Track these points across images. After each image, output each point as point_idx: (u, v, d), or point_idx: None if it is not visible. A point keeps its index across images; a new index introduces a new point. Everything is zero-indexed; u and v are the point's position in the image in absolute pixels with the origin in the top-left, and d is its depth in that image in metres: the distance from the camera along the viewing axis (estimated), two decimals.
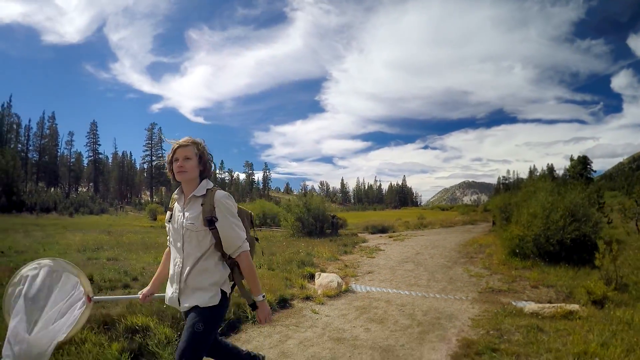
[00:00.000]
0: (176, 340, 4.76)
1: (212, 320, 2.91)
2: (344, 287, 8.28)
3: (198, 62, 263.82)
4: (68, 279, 3.03)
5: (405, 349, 4.97)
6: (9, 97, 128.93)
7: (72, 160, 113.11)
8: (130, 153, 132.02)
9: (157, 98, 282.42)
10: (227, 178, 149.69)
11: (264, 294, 3.02)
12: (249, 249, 3.00)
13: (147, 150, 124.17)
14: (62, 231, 28.51)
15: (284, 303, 7.06)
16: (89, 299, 3.06)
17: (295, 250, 14.02)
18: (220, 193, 2.94)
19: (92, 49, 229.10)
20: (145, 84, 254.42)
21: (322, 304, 7.25)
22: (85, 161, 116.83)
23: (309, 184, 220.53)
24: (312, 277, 9.44)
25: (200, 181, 3.02)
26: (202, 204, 2.90)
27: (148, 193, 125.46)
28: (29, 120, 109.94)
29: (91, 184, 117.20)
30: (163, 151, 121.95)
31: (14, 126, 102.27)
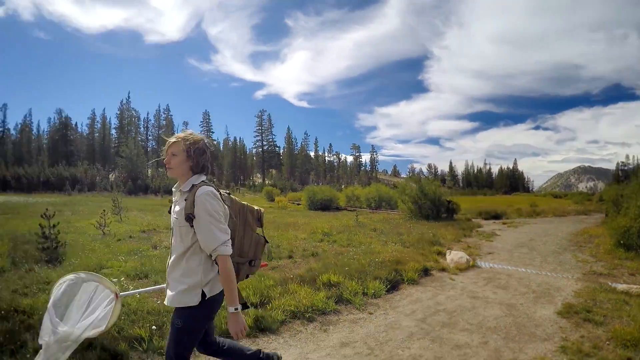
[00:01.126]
0: (363, 293, 7.18)
1: (192, 320, 2.98)
2: (471, 262, 10.03)
3: (297, 48, 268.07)
4: (88, 285, 3.30)
5: (523, 306, 6.76)
6: (127, 94, 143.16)
7: None
8: (241, 138, 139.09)
9: (260, 85, 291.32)
10: (335, 161, 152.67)
11: (239, 306, 2.90)
12: (228, 252, 2.87)
13: (257, 135, 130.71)
14: None
15: (425, 272, 9.06)
16: (117, 295, 3.29)
17: (419, 232, 15.48)
18: (202, 189, 2.87)
19: (193, 43, 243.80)
20: (247, 73, 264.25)
21: (456, 274, 9.16)
22: None
23: (416, 166, 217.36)
24: (439, 254, 11.10)
25: (193, 176, 3.04)
26: (185, 199, 2.91)
27: (259, 175, 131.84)
28: (147, 113, 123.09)
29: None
30: (273, 136, 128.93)
31: (134, 119, 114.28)
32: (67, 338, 3.02)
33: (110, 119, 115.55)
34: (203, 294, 2.94)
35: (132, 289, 3.59)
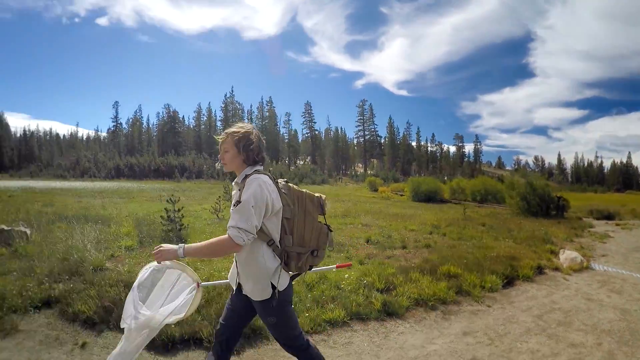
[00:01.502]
0: (481, 286, 7.50)
1: (274, 310, 3.05)
2: (585, 264, 9.92)
3: (394, 36, 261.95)
4: (171, 273, 3.38)
5: (637, 312, 6.68)
6: (230, 88, 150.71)
7: (286, 137, 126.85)
8: (342, 128, 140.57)
9: (358, 75, 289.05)
10: (437, 151, 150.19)
11: (185, 254, 2.95)
12: (236, 240, 2.83)
13: (359, 125, 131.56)
14: None
15: (539, 270, 9.16)
16: (198, 285, 3.36)
17: (529, 228, 15.30)
18: (253, 177, 2.92)
19: (289, 37, 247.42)
20: (345, 63, 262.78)
21: (569, 275, 9.15)
22: (300, 137, 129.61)
23: (522, 158, 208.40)
24: (551, 253, 11.00)
25: (246, 168, 3.09)
26: (239, 190, 2.98)
27: (361, 165, 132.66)
28: (250, 106, 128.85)
29: (308, 157, 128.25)
30: (375, 126, 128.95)
31: (238, 112, 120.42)
32: (148, 323, 3.14)
33: (215, 112, 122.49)
34: (273, 286, 3.01)
35: None
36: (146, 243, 9.89)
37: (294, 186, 3.20)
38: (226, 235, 2.87)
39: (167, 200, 10.85)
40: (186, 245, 2.97)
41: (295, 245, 3.08)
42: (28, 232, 9.73)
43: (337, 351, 4.92)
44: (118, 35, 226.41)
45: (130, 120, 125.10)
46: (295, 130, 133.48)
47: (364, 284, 6.84)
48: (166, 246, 3.02)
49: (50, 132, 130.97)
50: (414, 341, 5.24)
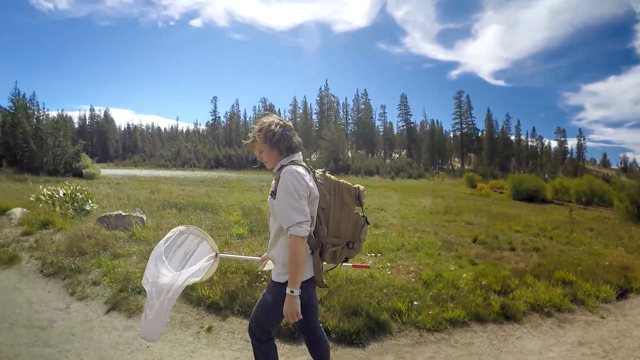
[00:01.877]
0: (595, 296, 7.23)
1: (280, 296, 2.98)
2: None
3: (487, 22, 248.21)
4: (193, 239, 3.67)
5: None
6: (325, 81, 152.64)
7: (382, 130, 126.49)
8: (438, 121, 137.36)
9: (453, 64, 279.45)
10: (537, 147, 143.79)
11: (299, 290, 2.87)
12: (302, 234, 2.84)
13: (456, 118, 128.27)
14: (392, 193, 32.87)
15: None
16: (216, 255, 3.64)
17: None
18: (286, 169, 2.94)
19: (380, 28, 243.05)
20: (439, 52, 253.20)
21: None
22: (395, 130, 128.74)
23: (629, 156, 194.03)
24: None
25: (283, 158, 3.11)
26: (275, 180, 3.04)
27: (457, 160, 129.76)
28: (345, 99, 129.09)
29: (404, 150, 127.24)
30: (473, 118, 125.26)
31: (333, 104, 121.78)
32: (169, 282, 3.34)
33: (310, 105, 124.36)
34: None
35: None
36: (256, 232, 10.40)
37: (331, 176, 3.21)
38: (292, 238, 2.87)
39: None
40: (289, 283, 2.89)
41: (330, 236, 3.09)
42: (144, 218, 10.52)
43: (459, 351, 4.99)
44: (212, 34, 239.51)
45: (228, 113, 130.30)
46: (391, 123, 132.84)
47: (482, 285, 6.82)
48: (289, 306, 2.89)
49: (152, 126, 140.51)
50: (532, 347, 5.21)
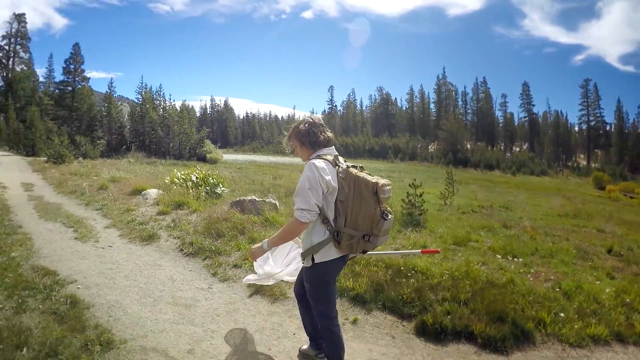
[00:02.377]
0: None
1: (312, 279, 3.45)
2: None
3: None
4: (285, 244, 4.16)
5: None
6: (442, 69, 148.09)
7: (501, 121, 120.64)
8: (562, 112, 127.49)
9: (576, 48, 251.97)
10: None
11: (269, 246, 3.49)
12: (301, 219, 3.17)
13: (582, 109, 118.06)
14: (515, 190, 31.46)
15: None
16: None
17: None
18: (308, 162, 3.31)
19: (495, 10, 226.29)
20: (560, 35, 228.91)
21: None
22: (516, 121, 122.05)
23: None
24: None
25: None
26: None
27: (582, 156, 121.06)
28: (464, 87, 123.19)
29: (525, 144, 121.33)
30: (601, 110, 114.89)
31: (451, 93, 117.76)
32: (270, 275, 4.43)
33: (428, 94, 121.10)
34: (313, 260, 3.35)
35: None
36: None
37: (353, 170, 3.35)
38: (293, 218, 3.24)
39: (410, 185, 11.01)
40: (267, 240, 3.52)
41: (347, 227, 3.28)
42: (277, 203, 10.67)
43: None
44: (323, 25, 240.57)
45: (344, 102, 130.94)
46: (511, 114, 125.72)
47: (624, 302, 6.16)
48: (254, 247, 3.60)
49: (270, 115, 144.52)
50: None
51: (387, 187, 3.32)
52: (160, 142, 47.19)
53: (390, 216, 3.38)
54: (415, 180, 11.38)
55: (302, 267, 3.61)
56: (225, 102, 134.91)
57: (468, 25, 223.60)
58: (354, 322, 5.04)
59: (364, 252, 3.41)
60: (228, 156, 55.80)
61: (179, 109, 54.26)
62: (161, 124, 48.00)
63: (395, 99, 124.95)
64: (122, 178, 17.89)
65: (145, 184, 13.73)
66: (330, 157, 3.37)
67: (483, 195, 22.95)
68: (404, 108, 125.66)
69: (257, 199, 10.31)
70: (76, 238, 8.67)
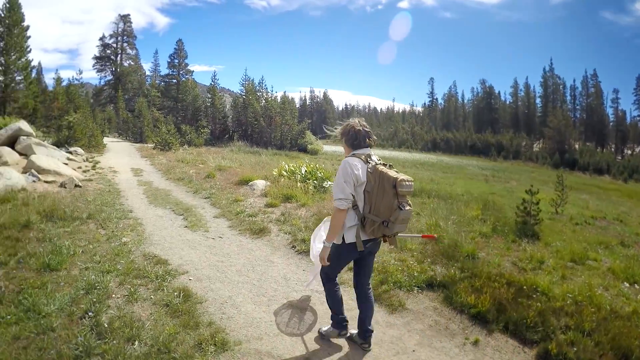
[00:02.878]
0: None
1: (335, 252, 4.16)
2: None
3: None
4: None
5: None
6: (549, 60, 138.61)
7: (612, 119, 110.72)
8: None
9: None
10: None
11: (332, 242, 4.08)
12: (339, 206, 3.91)
13: None
14: (627, 200, 29.11)
15: None
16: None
17: None
18: (344, 160, 4.08)
19: None
20: None
21: None
22: (629, 119, 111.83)
23: None
24: None
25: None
26: None
27: None
28: (573, 81, 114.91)
29: (638, 146, 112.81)
30: None
31: (559, 87, 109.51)
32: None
33: (534, 87, 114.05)
34: (343, 239, 4.07)
35: None
36: (499, 231, 9.45)
37: (380, 167, 3.99)
38: (335, 208, 3.98)
39: (527, 191, 10.34)
40: (324, 239, 4.20)
41: (371, 214, 3.94)
42: None
43: None
44: (420, 15, 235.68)
45: (445, 95, 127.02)
46: (623, 111, 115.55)
47: None
48: (321, 253, 4.22)
49: (369, 107, 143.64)
50: None
51: (407, 183, 3.93)
52: (263, 132, 48.14)
53: (407, 207, 3.95)
54: (532, 186, 10.65)
55: (334, 251, 4.19)
56: (325, 94, 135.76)
57: (572, 11, 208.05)
58: (475, 343, 4.67)
59: (384, 236, 4.09)
60: (328, 147, 56.03)
61: (279, 99, 55.28)
62: (264, 114, 49.01)
63: (499, 92, 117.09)
64: (227, 167, 18.38)
65: (251, 175, 13.89)
66: (363, 156, 4.05)
67: (594, 204, 21.48)
68: (507, 102, 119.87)
69: None
70: (186, 226, 8.87)
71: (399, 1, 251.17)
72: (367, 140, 4.19)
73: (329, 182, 12.49)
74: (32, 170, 14.05)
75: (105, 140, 34.19)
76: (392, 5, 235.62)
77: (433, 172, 33.06)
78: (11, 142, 19.50)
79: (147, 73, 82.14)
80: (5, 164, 15.49)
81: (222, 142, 47.52)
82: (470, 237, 8.41)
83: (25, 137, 19.59)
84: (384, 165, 4.08)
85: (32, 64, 42.33)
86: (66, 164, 17.92)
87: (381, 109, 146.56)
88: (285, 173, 12.50)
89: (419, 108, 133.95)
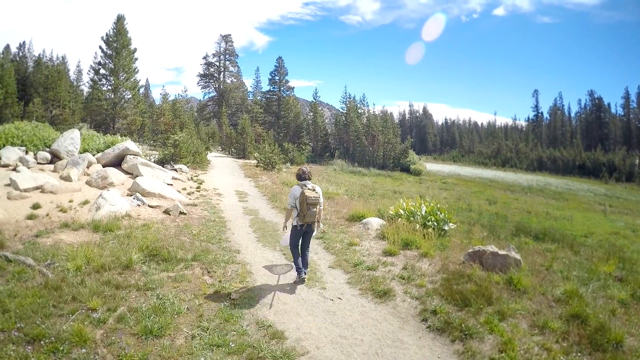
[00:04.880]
0: None
1: (292, 233, 7.86)
2: None
3: None
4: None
5: None
6: None
7: None
8: None
9: None
10: None
11: (284, 228, 8.24)
12: (289, 207, 7.90)
13: None
14: None
15: None
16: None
17: None
18: (294, 186, 8.67)
19: None
20: None
21: None
22: None
23: None
24: None
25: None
26: None
27: None
28: None
29: None
30: None
31: None
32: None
33: None
34: (294, 225, 7.79)
35: None
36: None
37: (305, 190, 7.59)
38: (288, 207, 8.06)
39: None
40: (283, 224, 9.03)
41: (300, 212, 7.59)
42: (519, 257, 8.57)
43: None
44: (517, 21, 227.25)
45: (551, 108, 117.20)
46: None
47: None
48: (285, 235, 8.51)
49: (469, 121, 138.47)
50: None
51: (311, 198, 7.50)
52: (365, 151, 47.51)
53: (313, 209, 7.56)
54: None
55: (291, 231, 7.96)
56: (424, 108, 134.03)
57: None
58: None
59: (310, 222, 7.73)
60: (429, 165, 54.68)
61: (378, 113, 54.59)
62: (365, 133, 48.45)
63: (608, 104, 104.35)
64: (335, 194, 17.97)
65: (363, 210, 13.10)
66: (301, 184, 7.79)
67: None
68: (618, 115, 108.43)
69: (499, 252, 8.44)
70: None
71: (494, 8, 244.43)
72: (305, 176, 7.91)
73: (452, 225, 11.23)
74: (137, 194, 14.11)
75: (209, 156, 34.54)
76: (487, 14, 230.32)
77: (545, 200, 31.03)
78: (118, 161, 20.06)
79: (249, 89, 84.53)
80: (111, 184, 15.68)
81: (323, 159, 47.55)
82: (610, 310, 6.66)
83: (132, 156, 19.97)
84: (309, 189, 7.67)
85: (140, 83, 44.37)
86: (171, 184, 17.98)
87: (482, 123, 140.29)
88: (402, 212, 11.28)
89: (521, 122, 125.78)
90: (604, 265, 9.85)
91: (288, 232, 8.02)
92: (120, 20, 38.76)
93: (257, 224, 12.52)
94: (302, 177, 7.78)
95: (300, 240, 7.86)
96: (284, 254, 9.67)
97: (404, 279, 8.06)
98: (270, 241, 10.69)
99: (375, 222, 11.72)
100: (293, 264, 8.09)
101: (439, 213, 11.05)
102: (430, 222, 10.74)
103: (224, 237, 10.65)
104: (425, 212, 11.04)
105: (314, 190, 7.56)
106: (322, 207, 7.88)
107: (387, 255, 9.46)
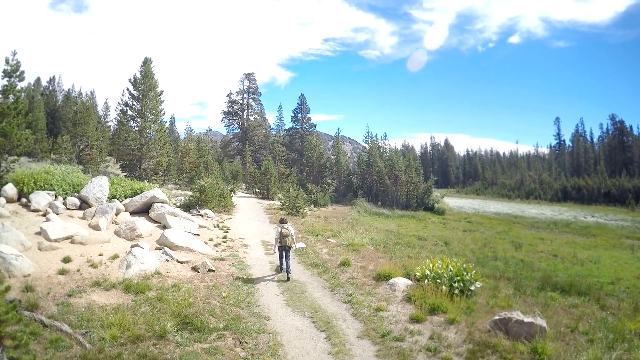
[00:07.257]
0: None
1: (277, 249, 14.42)
2: None
3: None
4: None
5: None
6: None
7: None
8: None
9: None
10: None
11: (274, 249, 15.18)
12: (274, 240, 16.48)
13: None
14: None
15: None
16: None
17: None
18: (277, 227, 17.28)
19: None
20: None
21: None
22: None
23: None
24: None
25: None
26: None
27: None
28: None
29: None
30: None
31: None
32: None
33: None
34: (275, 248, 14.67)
35: None
36: None
37: (281, 229, 14.23)
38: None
39: None
40: (274, 248, 15.86)
41: (279, 240, 14.15)
42: (544, 324, 8.68)
43: None
44: (533, 47, 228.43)
45: (573, 135, 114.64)
46: None
47: None
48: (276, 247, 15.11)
49: (491, 151, 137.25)
50: None
51: (284, 231, 13.99)
52: (388, 191, 47.58)
53: (285, 239, 13.92)
54: None
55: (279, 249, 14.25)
56: (446, 141, 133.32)
57: None
58: None
59: (287, 246, 14.00)
60: (452, 201, 54.46)
61: (400, 147, 54.43)
62: (388, 172, 48.54)
63: (630, 127, 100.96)
64: (360, 246, 18.13)
65: (390, 269, 13.23)
66: (280, 225, 14.50)
67: None
68: None
69: (524, 319, 8.52)
70: (329, 353, 8.23)
71: (509, 37, 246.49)
72: (283, 220, 14.68)
73: (478, 284, 11.30)
74: (166, 248, 14.63)
75: (234, 198, 34.69)
76: (503, 42, 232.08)
77: (571, 236, 30.72)
78: (146, 208, 20.61)
79: (272, 125, 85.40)
80: (139, 237, 16.17)
81: (346, 199, 47.61)
82: None
83: (159, 205, 20.46)
84: (285, 228, 13.99)
85: (165, 118, 45.21)
86: (197, 234, 18.39)
87: (504, 152, 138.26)
88: (429, 273, 11.36)
89: (544, 149, 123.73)
90: (630, 322, 9.88)
91: (276, 250, 14.34)
92: (146, 63, 39.50)
93: (285, 284, 13.01)
94: (282, 221, 14.67)
95: (283, 254, 13.97)
96: (313, 322, 9.76)
97: (430, 350, 8.13)
98: (298, 305, 10.93)
99: (401, 283, 11.84)
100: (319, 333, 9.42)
101: (465, 273, 11.12)
102: (457, 284, 10.81)
103: (253, 301, 10.98)
104: (452, 272, 11.11)
105: (287, 229, 14.10)
106: (293, 236, 14.38)
107: (414, 322, 9.52)
